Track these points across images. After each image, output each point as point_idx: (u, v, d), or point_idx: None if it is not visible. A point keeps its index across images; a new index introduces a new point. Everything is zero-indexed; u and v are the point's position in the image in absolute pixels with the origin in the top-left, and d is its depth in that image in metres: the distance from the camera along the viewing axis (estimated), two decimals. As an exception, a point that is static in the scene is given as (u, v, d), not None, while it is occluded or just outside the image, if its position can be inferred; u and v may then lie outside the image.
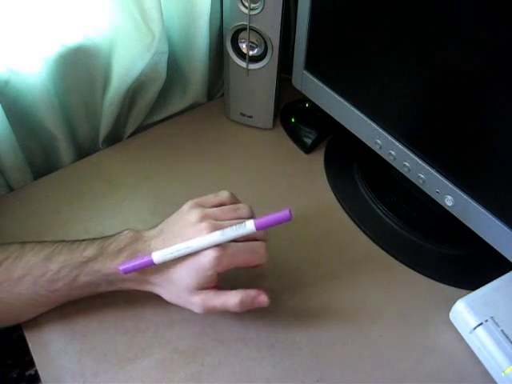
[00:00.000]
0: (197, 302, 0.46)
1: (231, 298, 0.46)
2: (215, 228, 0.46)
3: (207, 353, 0.50)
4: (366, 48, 0.54)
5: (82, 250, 0.47)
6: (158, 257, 0.45)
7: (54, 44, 0.58)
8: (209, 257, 0.45)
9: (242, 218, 0.48)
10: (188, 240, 0.45)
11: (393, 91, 0.53)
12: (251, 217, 0.49)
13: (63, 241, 0.48)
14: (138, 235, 0.48)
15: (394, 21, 0.49)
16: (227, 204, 0.50)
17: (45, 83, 0.58)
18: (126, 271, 0.45)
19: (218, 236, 0.45)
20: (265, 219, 0.46)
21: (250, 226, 0.45)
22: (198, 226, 0.46)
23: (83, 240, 0.48)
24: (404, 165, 0.55)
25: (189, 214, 0.48)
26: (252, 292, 0.47)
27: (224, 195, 0.50)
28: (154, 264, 0.45)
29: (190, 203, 0.49)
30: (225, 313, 0.52)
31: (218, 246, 0.45)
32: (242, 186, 0.54)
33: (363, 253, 0.59)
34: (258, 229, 0.46)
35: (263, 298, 0.47)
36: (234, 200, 0.51)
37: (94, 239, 0.48)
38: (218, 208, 0.49)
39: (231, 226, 0.46)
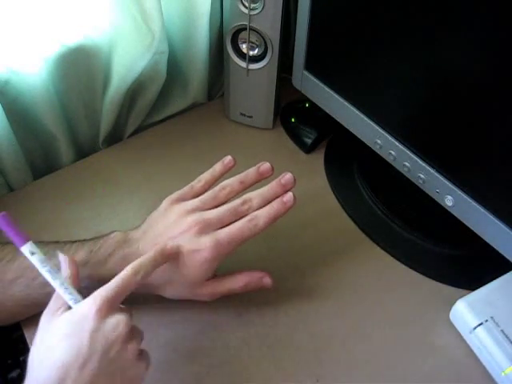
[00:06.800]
0: (205, 292, 0.47)
1: (237, 283, 0.48)
2: (203, 222, 0.45)
3: (207, 353, 0.50)
4: (366, 48, 0.54)
5: (72, 255, 0.46)
6: (33, 259, 0.40)
7: (53, 44, 0.57)
8: (207, 250, 0.44)
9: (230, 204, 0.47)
10: (174, 238, 0.45)
11: (393, 91, 0.53)
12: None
13: (57, 242, 0.48)
14: (126, 237, 0.47)
15: (394, 21, 0.49)
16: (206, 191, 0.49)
17: (45, 83, 0.58)
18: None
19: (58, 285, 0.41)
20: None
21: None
22: (183, 222, 0.46)
23: (74, 242, 0.48)
24: (404, 165, 0.55)
25: (168, 212, 0.47)
26: (256, 274, 0.48)
27: (199, 185, 0.49)
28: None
29: (167, 200, 0.49)
30: (225, 313, 0.52)
31: (211, 237, 0.45)
32: (241, 186, 0.55)
33: (363, 253, 0.59)
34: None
35: (267, 280, 0.48)
36: (211, 185, 0.50)
37: (84, 242, 0.47)
38: (198, 199, 0.48)
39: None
